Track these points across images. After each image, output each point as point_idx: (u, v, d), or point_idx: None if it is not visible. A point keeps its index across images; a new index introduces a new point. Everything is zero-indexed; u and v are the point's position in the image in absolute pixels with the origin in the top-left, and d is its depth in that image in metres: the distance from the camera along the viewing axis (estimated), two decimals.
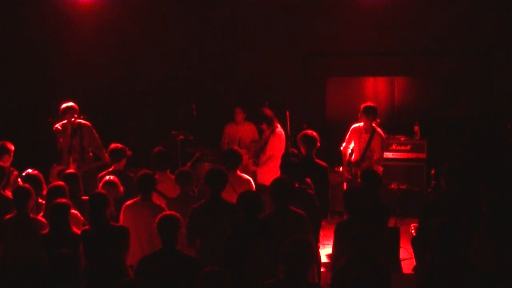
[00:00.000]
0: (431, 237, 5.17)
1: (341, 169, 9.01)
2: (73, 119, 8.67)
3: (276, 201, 6.17)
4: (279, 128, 8.94)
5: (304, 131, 8.03)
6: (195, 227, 6.17)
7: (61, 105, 8.78)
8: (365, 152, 8.70)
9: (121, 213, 6.56)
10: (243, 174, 7.29)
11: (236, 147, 8.09)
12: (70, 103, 8.78)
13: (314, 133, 7.94)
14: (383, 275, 5.16)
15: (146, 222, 6.27)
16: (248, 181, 7.19)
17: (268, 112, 8.92)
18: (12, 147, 7.97)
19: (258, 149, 9.16)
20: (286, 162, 7.16)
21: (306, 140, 7.88)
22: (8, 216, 6.26)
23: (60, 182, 6.71)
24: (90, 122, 9.04)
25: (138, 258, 5.74)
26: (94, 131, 8.99)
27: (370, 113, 8.67)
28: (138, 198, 6.58)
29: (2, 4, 11.12)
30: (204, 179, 6.47)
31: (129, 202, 6.60)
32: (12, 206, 6.31)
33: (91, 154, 8.96)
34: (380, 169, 8.71)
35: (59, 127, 8.82)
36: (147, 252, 5.95)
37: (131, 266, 5.87)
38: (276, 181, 6.34)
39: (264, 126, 8.97)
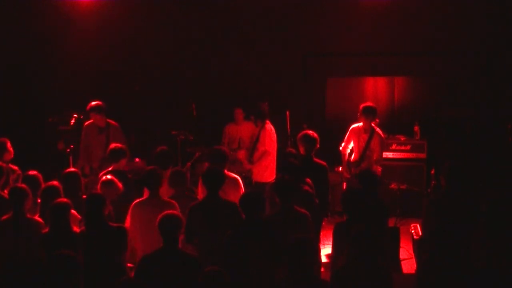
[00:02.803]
0: (431, 237, 5.17)
1: (340, 169, 9.02)
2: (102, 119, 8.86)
3: (280, 200, 6.21)
4: (269, 125, 8.98)
5: (305, 131, 8.02)
6: (193, 225, 6.17)
7: (90, 104, 8.92)
8: (364, 152, 8.72)
9: (130, 211, 6.56)
10: (230, 173, 7.29)
11: (224, 147, 8.07)
12: (96, 102, 8.91)
13: (315, 134, 7.94)
14: (383, 275, 5.16)
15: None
16: (236, 179, 7.19)
17: (264, 109, 8.97)
18: (8, 142, 7.97)
19: (251, 147, 9.19)
20: (286, 163, 7.17)
21: (307, 140, 7.87)
22: (5, 217, 6.25)
23: (55, 182, 6.69)
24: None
25: None
26: (122, 133, 9.08)
27: (369, 113, 8.67)
28: (147, 196, 6.59)
29: (2, 4, 11.12)
30: (202, 178, 6.50)
31: (138, 200, 6.61)
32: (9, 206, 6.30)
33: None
34: (379, 169, 8.71)
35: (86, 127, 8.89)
36: None
37: None
38: (279, 180, 6.38)
39: (252, 118, 9.01)
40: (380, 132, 8.84)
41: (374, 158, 8.73)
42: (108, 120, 8.99)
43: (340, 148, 8.93)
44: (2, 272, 6.07)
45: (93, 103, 8.92)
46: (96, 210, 5.90)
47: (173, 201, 6.48)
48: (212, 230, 6.07)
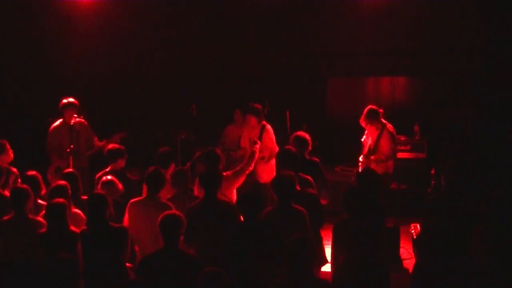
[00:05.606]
0: (429, 237, 5.17)
1: (360, 158, 9.03)
2: (72, 116, 8.79)
3: (277, 197, 6.20)
4: (268, 125, 8.98)
5: (297, 133, 8.00)
6: (191, 226, 6.14)
7: (61, 101, 8.87)
8: (375, 147, 8.80)
9: (126, 210, 6.54)
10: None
11: (217, 149, 8.02)
12: (70, 99, 8.87)
13: (306, 135, 7.92)
14: (383, 274, 5.16)
15: (152, 221, 6.24)
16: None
17: (258, 106, 8.96)
18: (6, 144, 7.97)
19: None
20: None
21: (298, 142, 7.87)
22: (6, 217, 6.24)
23: (63, 182, 6.66)
24: (90, 122, 9.08)
25: None
26: (90, 128, 9.07)
27: (371, 117, 8.75)
28: (144, 196, 6.58)
29: (2, 5, 11.12)
30: (199, 179, 6.49)
31: (135, 199, 6.59)
32: (11, 207, 6.29)
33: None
34: (390, 164, 8.71)
35: (56, 126, 8.86)
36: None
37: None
38: (278, 177, 6.36)
39: (255, 120, 8.95)
40: (391, 127, 8.91)
41: (385, 155, 8.77)
42: (77, 119, 8.96)
43: (362, 139, 9.05)
44: (4, 272, 6.08)
45: (70, 99, 8.88)
46: (99, 211, 5.89)
47: (170, 204, 6.45)
48: (209, 230, 6.06)
